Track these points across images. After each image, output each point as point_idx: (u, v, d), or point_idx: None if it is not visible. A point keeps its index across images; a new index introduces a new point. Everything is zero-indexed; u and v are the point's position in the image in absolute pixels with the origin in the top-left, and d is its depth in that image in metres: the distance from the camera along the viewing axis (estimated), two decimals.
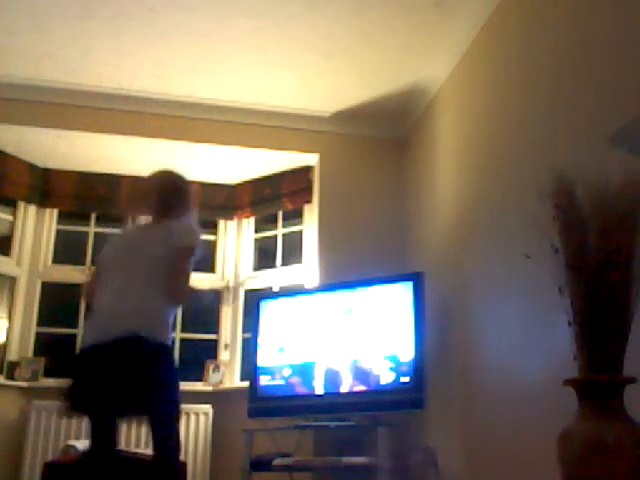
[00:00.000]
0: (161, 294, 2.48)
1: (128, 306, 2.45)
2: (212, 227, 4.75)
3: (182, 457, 3.91)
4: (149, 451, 2.69)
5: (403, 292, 3.50)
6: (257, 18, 3.37)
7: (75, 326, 4.41)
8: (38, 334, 4.35)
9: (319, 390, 3.56)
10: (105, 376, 2.37)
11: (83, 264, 4.52)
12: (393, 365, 3.41)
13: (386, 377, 3.41)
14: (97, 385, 2.39)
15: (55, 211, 4.58)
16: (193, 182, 2.78)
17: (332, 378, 3.55)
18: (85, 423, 2.56)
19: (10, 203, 4.42)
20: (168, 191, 2.69)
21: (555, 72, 2.52)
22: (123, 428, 3.95)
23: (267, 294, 4.21)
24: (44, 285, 4.45)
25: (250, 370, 3.82)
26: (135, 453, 3.54)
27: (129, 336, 2.36)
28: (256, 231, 4.76)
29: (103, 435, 2.51)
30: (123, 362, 2.36)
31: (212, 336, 4.53)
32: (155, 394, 2.39)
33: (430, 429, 3.55)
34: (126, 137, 4.16)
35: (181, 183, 2.76)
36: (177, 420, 2.51)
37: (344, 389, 3.50)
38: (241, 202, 4.65)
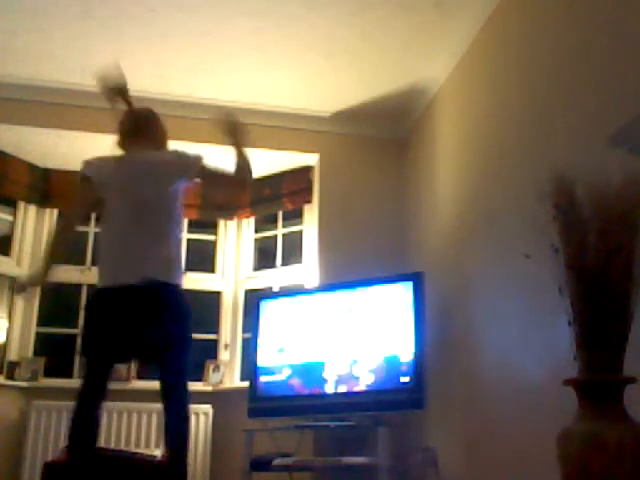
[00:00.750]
0: (174, 236, 2.56)
1: (147, 252, 2.49)
2: (212, 227, 4.75)
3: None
4: (149, 451, 2.70)
5: (403, 292, 3.50)
6: (257, 18, 3.37)
7: (75, 326, 4.41)
8: (38, 334, 4.35)
9: (319, 390, 3.56)
10: (130, 317, 2.42)
11: (83, 264, 4.53)
12: (393, 365, 3.41)
13: (386, 377, 3.41)
14: (120, 326, 2.43)
15: (55, 211, 4.58)
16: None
17: (332, 378, 3.55)
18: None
19: (10, 203, 4.42)
20: (143, 122, 2.81)
21: (555, 72, 2.53)
22: (123, 428, 3.96)
23: (267, 294, 4.21)
24: (44, 285, 4.44)
25: (250, 370, 3.82)
26: (135, 453, 3.54)
27: (154, 282, 2.43)
28: (256, 231, 4.75)
29: (96, 387, 2.49)
30: (148, 305, 2.43)
31: (212, 336, 4.53)
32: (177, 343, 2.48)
33: (430, 429, 3.55)
34: None
35: (150, 113, 2.86)
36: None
37: (344, 389, 3.50)
38: (241, 202, 4.64)
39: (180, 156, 2.68)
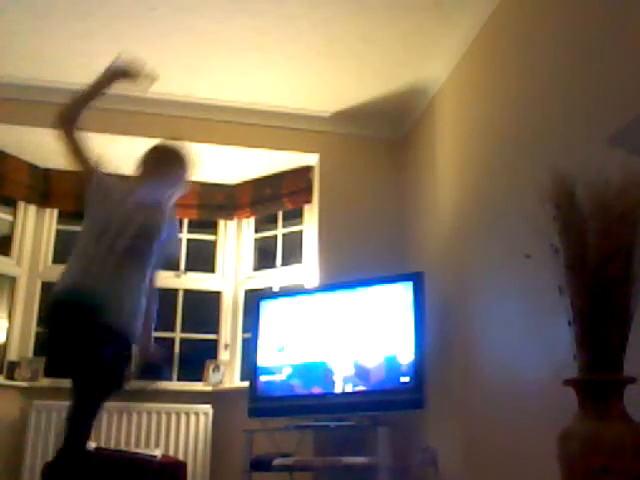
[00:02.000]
0: (142, 287, 2.55)
1: (115, 294, 2.48)
2: (212, 227, 4.75)
3: (182, 457, 3.94)
4: (149, 451, 2.70)
5: (403, 292, 3.50)
6: (257, 18, 3.37)
7: None
8: (38, 334, 4.34)
9: (319, 390, 3.56)
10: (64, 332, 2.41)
11: None
12: (393, 365, 3.41)
13: (386, 377, 3.41)
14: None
15: (55, 211, 4.58)
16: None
17: (332, 378, 3.55)
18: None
19: (10, 203, 4.42)
20: (160, 161, 2.84)
21: (555, 72, 2.53)
22: (123, 428, 3.96)
23: (267, 294, 4.21)
24: (44, 285, 4.45)
25: (250, 370, 3.82)
26: (135, 453, 3.55)
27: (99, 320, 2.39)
28: (256, 231, 4.75)
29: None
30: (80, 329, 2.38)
31: (212, 336, 4.53)
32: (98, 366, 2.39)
33: (430, 429, 3.55)
34: (126, 137, 4.16)
35: (174, 154, 2.87)
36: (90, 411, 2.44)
37: (344, 389, 3.50)
38: (241, 202, 4.64)
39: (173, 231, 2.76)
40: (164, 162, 2.85)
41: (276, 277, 4.52)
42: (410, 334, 3.39)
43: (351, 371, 3.51)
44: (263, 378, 3.70)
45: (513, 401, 2.64)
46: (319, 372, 3.58)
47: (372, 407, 3.40)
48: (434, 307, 3.53)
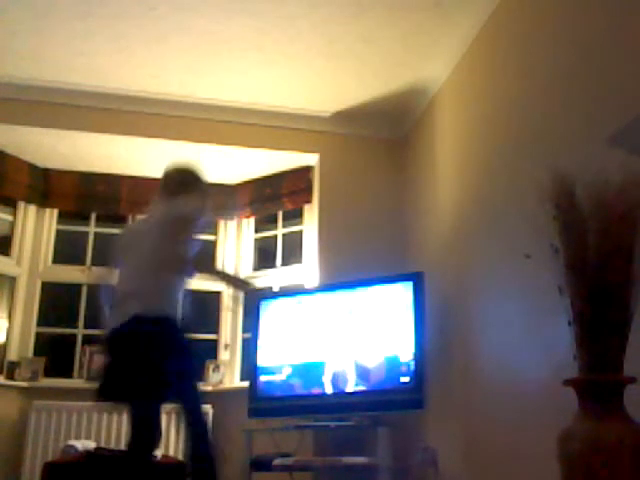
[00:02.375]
0: (161, 271, 2.66)
1: (133, 290, 2.63)
2: (212, 227, 4.75)
3: (182, 457, 3.93)
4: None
5: (403, 292, 3.50)
6: (257, 18, 3.37)
7: (75, 326, 4.42)
8: (38, 334, 4.35)
9: (319, 390, 3.56)
10: (118, 361, 2.56)
11: (83, 264, 4.53)
12: (393, 365, 3.41)
13: (386, 377, 3.41)
14: (116, 371, 2.57)
15: (55, 211, 4.58)
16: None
17: (332, 378, 3.55)
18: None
19: (10, 203, 4.42)
20: (170, 180, 2.91)
21: (555, 72, 2.53)
22: (123, 428, 3.96)
23: (267, 294, 4.21)
24: (44, 285, 4.45)
25: (250, 370, 3.82)
26: None
27: (130, 318, 2.54)
28: (256, 231, 4.76)
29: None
30: (125, 344, 2.54)
31: (212, 336, 4.53)
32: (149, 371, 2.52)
33: (430, 429, 3.55)
34: (126, 137, 4.16)
35: (184, 173, 2.94)
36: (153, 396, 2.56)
37: (344, 389, 3.50)
38: (241, 202, 4.64)
39: (177, 208, 2.82)
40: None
41: (276, 277, 4.52)
42: (410, 334, 3.39)
43: (351, 371, 3.51)
44: (263, 378, 3.70)
45: (513, 401, 2.64)
46: (319, 372, 3.58)
47: (372, 407, 3.40)
48: (434, 307, 3.53)
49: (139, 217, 2.97)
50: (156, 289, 2.65)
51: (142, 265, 2.69)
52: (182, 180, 2.91)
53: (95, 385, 2.67)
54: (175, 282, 2.72)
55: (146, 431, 2.53)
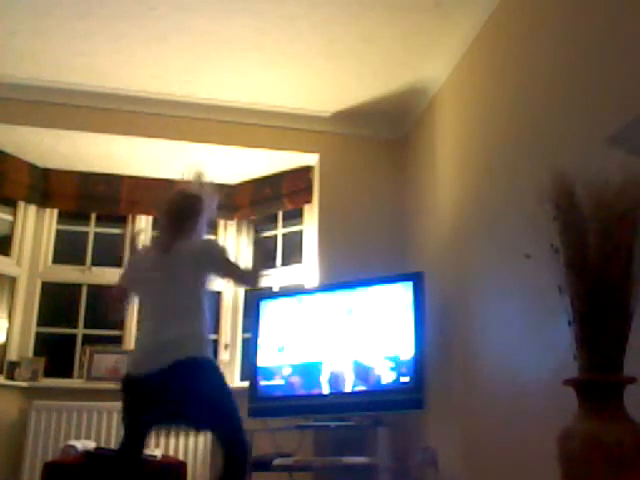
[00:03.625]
0: (198, 317, 2.65)
1: (174, 337, 2.58)
2: (212, 227, 4.75)
3: (182, 457, 3.93)
4: (149, 451, 2.72)
5: (403, 292, 3.50)
6: (257, 18, 3.37)
7: (75, 326, 4.42)
8: (38, 334, 4.35)
9: (319, 390, 3.56)
10: (173, 398, 2.51)
11: (83, 264, 4.53)
12: (393, 365, 3.40)
13: (386, 377, 3.41)
14: (163, 407, 2.54)
15: (55, 211, 4.58)
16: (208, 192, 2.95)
17: (332, 378, 3.55)
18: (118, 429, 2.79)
19: (10, 203, 4.42)
20: (178, 212, 2.83)
21: (555, 71, 2.53)
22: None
23: (267, 294, 4.21)
24: (44, 285, 4.45)
25: (250, 370, 3.82)
26: None
27: (183, 360, 2.52)
28: (256, 231, 4.75)
29: (138, 440, 2.63)
30: (185, 382, 2.50)
31: (212, 336, 4.52)
32: (215, 403, 2.57)
33: (430, 429, 3.55)
34: (126, 137, 4.16)
35: (190, 201, 2.87)
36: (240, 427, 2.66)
37: (344, 389, 3.50)
38: (241, 202, 4.64)
39: (209, 250, 2.83)
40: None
41: (276, 277, 4.52)
42: (410, 334, 3.39)
43: (351, 371, 3.51)
44: (263, 378, 3.70)
45: (513, 401, 2.64)
46: (319, 372, 3.58)
47: (372, 407, 3.40)
48: (434, 307, 3.53)
49: (150, 250, 2.91)
50: (199, 335, 2.64)
51: (179, 310, 2.64)
52: (185, 208, 2.86)
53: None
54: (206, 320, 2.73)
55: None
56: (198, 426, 2.74)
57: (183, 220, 2.80)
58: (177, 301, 2.65)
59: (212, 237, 2.89)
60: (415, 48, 3.61)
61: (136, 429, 2.61)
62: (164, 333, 2.58)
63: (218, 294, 4.61)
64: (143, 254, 2.88)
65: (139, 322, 2.82)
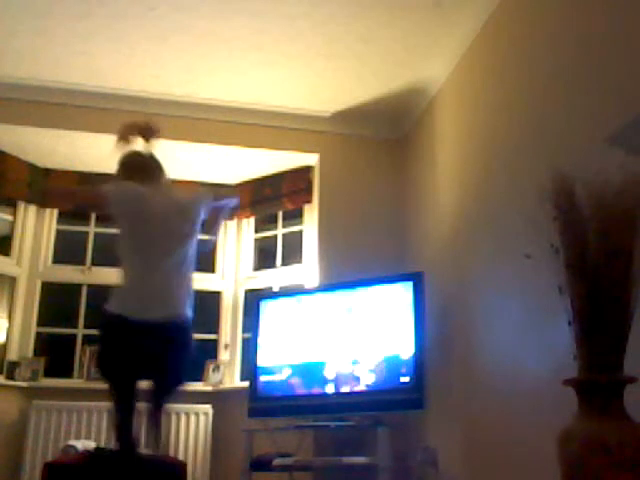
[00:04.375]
0: (190, 272, 2.76)
1: (174, 290, 2.69)
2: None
3: (182, 457, 3.94)
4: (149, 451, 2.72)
5: (403, 292, 3.50)
6: (257, 18, 3.37)
7: (75, 326, 4.41)
8: (38, 334, 4.35)
9: (319, 390, 3.56)
10: (155, 352, 2.57)
11: (83, 264, 4.53)
12: (393, 365, 3.41)
13: (386, 377, 3.41)
14: (146, 358, 2.58)
15: (55, 211, 4.58)
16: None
17: (332, 378, 3.55)
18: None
19: (10, 203, 4.42)
20: (155, 167, 2.97)
21: (555, 71, 2.53)
22: None
23: (267, 294, 4.21)
24: (44, 285, 4.45)
25: (250, 370, 3.82)
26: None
27: (179, 321, 2.67)
28: (256, 231, 4.76)
29: (130, 404, 2.65)
30: (173, 343, 2.63)
31: (212, 336, 4.53)
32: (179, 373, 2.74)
33: (430, 429, 3.55)
34: None
35: (156, 160, 3.03)
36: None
37: (344, 389, 3.50)
38: (241, 202, 4.64)
39: (196, 197, 2.96)
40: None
41: (276, 277, 4.52)
42: (410, 334, 3.39)
43: (351, 371, 3.51)
44: (263, 378, 3.70)
45: (513, 401, 2.64)
46: (319, 372, 3.58)
47: (372, 407, 3.40)
48: (434, 307, 3.53)
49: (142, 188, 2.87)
50: (191, 293, 2.76)
51: (175, 261, 2.70)
52: (159, 165, 2.98)
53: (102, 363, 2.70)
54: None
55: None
56: (164, 386, 2.76)
57: (158, 176, 2.91)
58: (179, 253, 2.71)
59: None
60: (415, 48, 3.61)
61: (129, 380, 2.62)
62: (165, 283, 2.65)
63: (218, 294, 4.61)
64: (134, 187, 2.82)
65: (126, 257, 2.73)
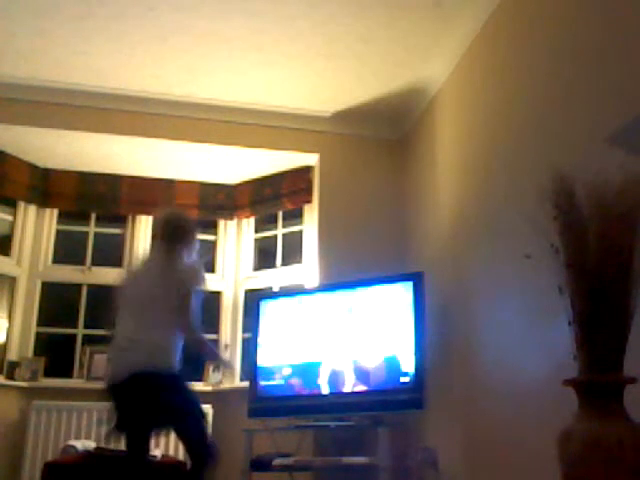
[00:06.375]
0: (167, 328, 2.82)
1: (141, 345, 2.77)
2: (212, 227, 4.75)
3: (182, 457, 3.93)
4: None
5: (403, 292, 3.50)
6: (257, 18, 3.37)
7: (75, 326, 4.41)
8: (38, 334, 4.35)
9: (319, 390, 3.56)
10: (135, 405, 2.74)
11: (83, 264, 4.53)
12: (393, 365, 3.41)
13: (386, 377, 3.41)
14: (131, 412, 2.76)
15: (55, 211, 4.58)
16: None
17: (332, 378, 3.55)
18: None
19: (10, 203, 4.42)
20: (172, 227, 3.03)
21: (554, 72, 2.53)
22: None
23: (267, 294, 4.21)
24: (44, 285, 4.45)
25: (250, 370, 3.82)
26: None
27: (144, 372, 2.72)
28: (256, 231, 4.76)
29: (139, 444, 2.81)
30: (142, 394, 2.71)
31: (212, 336, 4.53)
32: (175, 415, 2.79)
33: (430, 429, 3.55)
34: (126, 137, 4.16)
35: (184, 221, 3.11)
36: (202, 431, 2.91)
37: (344, 389, 3.50)
38: (241, 202, 4.65)
39: (186, 275, 2.96)
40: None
41: (276, 277, 4.52)
42: (410, 334, 3.39)
43: (351, 371, 3.51)
44: (263, 378, 3.70)
45: (513, 401, 2.64)
46: (319, 372, 3.58)
47: (372, 407, 3.40)
48: (434, 307, 3.53)
49: (139, 260, 3.17)
50: (163, 343, 2.80)
51: (148, 314, 2.82)
52: (180, 228, 3.05)
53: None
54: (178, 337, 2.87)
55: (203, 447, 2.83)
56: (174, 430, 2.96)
57: (175, 239, 2.99)
58: (148, 312, 2.82)
59: (197, 267, 3.04)
60: (415, 48, 3.61)
61: (133, 434, 2.80)
62: (135, 342, 2.77)
63: (218, 294, 4.61)
64: (137, 266, 3.12)
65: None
